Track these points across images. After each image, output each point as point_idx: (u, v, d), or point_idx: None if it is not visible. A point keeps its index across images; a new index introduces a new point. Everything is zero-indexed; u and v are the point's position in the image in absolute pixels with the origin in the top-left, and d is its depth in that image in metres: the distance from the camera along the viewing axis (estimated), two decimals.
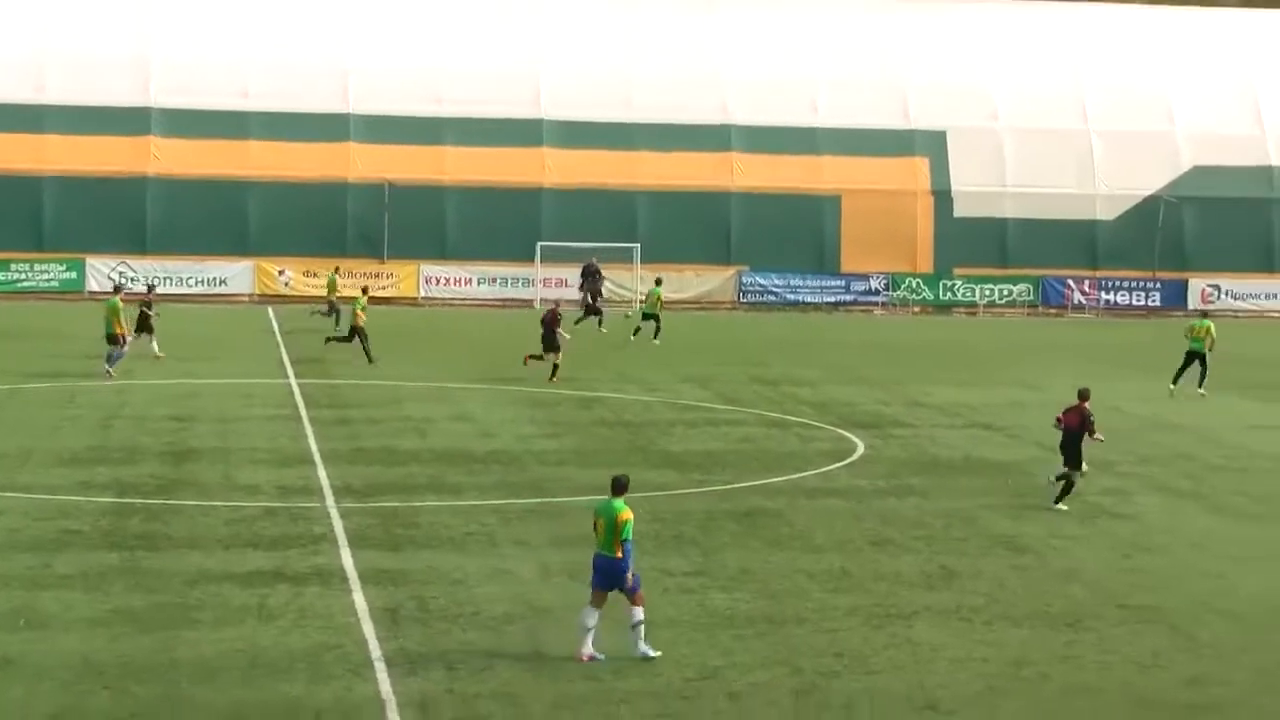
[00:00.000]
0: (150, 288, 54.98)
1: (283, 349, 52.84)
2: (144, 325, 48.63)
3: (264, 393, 43.13)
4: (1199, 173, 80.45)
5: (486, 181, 75.82)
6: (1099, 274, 79.72)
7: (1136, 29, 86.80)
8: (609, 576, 20.09)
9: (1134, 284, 79.71)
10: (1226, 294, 79.44)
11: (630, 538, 20.07)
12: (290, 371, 47.24)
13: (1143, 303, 79.27)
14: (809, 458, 35.25)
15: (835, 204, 78.48)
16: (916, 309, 76.68)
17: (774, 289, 76.29)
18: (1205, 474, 34.55)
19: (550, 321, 47.35)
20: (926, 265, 78.79)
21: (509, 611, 22.10)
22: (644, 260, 75.45)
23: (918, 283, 78.12)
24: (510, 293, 74.75)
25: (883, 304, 77.23)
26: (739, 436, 38.01)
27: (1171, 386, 46.97)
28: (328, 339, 51.73)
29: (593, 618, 20.05)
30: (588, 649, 19.95)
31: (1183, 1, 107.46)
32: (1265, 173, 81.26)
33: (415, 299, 73.60)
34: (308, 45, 77.97)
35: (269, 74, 76.00)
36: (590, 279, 73.70)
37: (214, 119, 74.67)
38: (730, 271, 77.24)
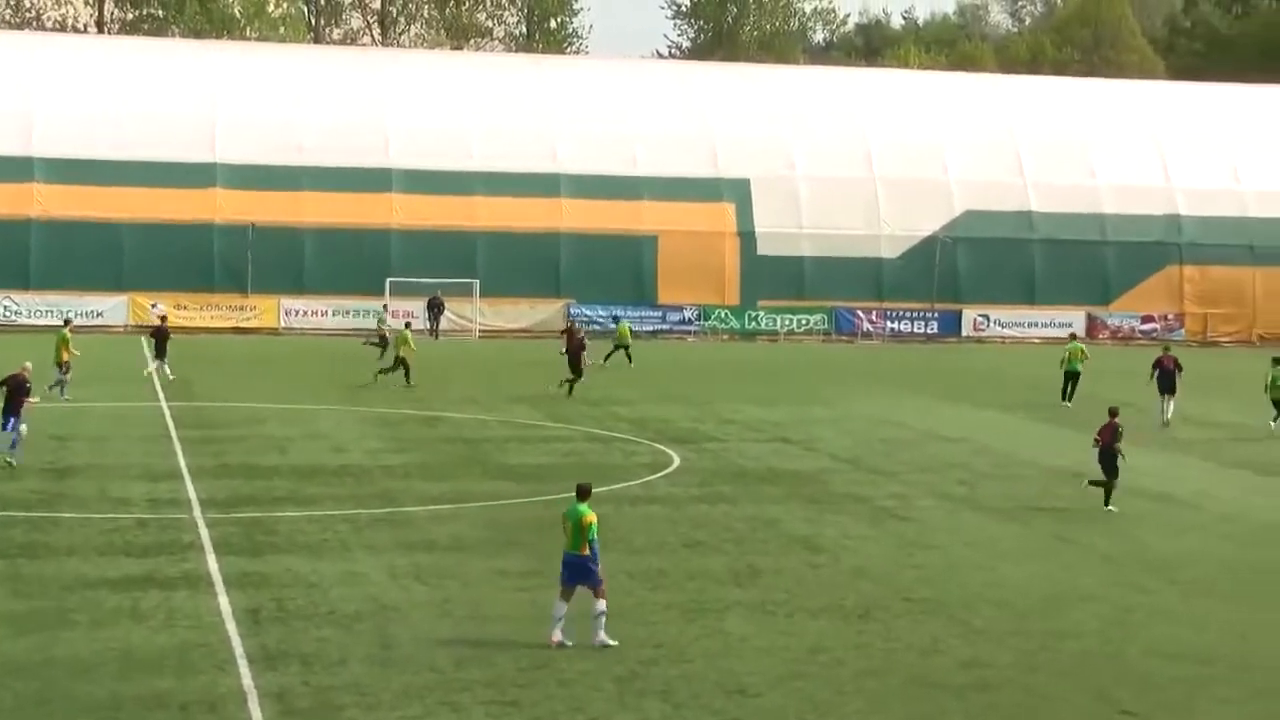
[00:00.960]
0: (163, 318, 54.73)
1: (154, 374, 51.74)
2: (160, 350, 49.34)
3: (137, 415, 42.25)
4: (970, 216, 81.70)
5: (341, 223, 75.08)
6: (884, 305, 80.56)
7: (914, 90, 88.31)
8: (576, 572, 20.28)
9: (915, 314, 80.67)
10: (995, 323, 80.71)
11: (596, 538, 20.34)
12: (161, 395, 46.32)
13: (922, 330, 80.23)
14: (631, 470, 35.21)
15: (653, 243, 78.62)
16: (725, 336, 77.04)
17: (599, 319, 76.18)
18: (977, 481, 34.97)
19: (575, 345, 49.20)
20: (733, 298, 79.13)
21: (359, 610, 21.79)
22: (483, 294, 75.16)
23: (726, 313, 78.43)
24: (363, 323, 73.88)
25: (695, 332, 77.48)
26: (567, 451, 37.87)
27: (1067, 404, 48.93)
28: (377, 373, 50.57)
29: (562, 609, 20.19)
30: (557, 635, 20.08)
31: (952, 67, 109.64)
32: (1025, 216, 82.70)
33: (276, 329, 72.59)
34: (178, 101, 76.75)
35: (143, 126, 74.60)
36: (434, 310, 73.52)
37: (92, 167, 73.22)
38: (560, 303, 77.04)
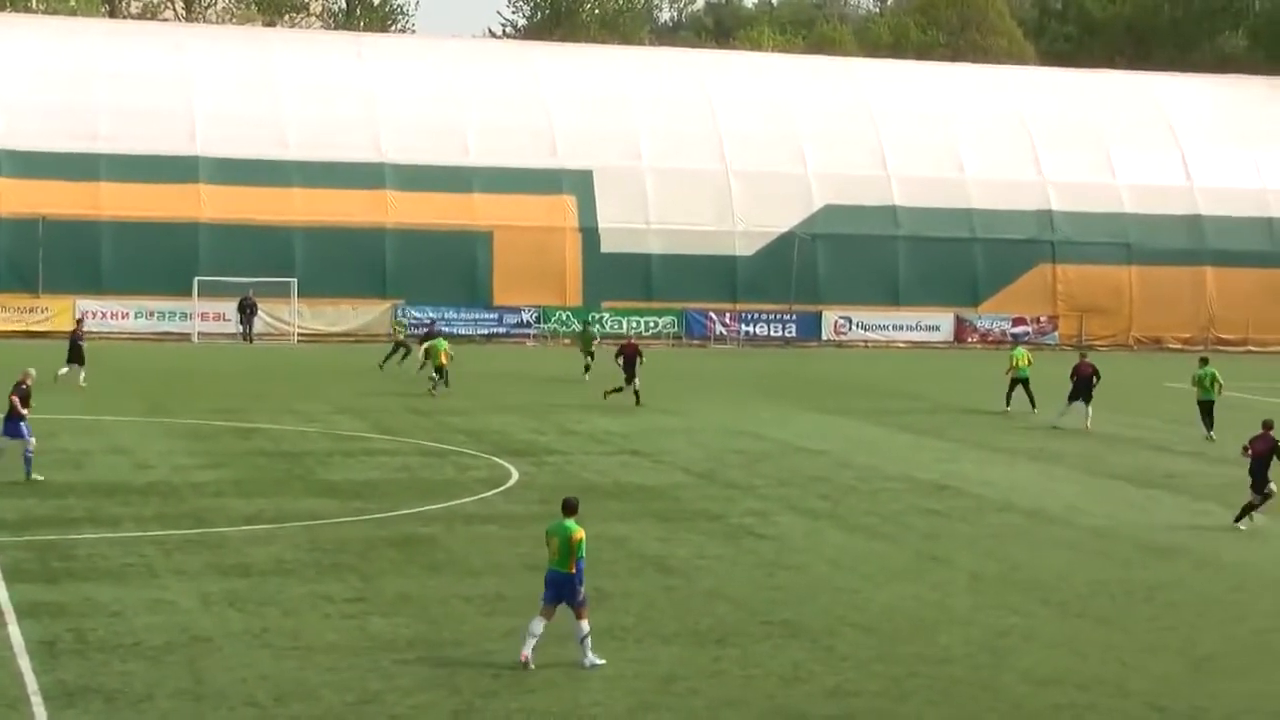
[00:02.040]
0: (80, 320, 55.86)
1: None
2: (75, 355, 50.89)
3: None
4: (830, 211, 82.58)
5: (143, 216, 74.08)
6: (739, 307, 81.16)
7: (769, 75, 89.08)
8: (560, 590, 20.78)
9: (772, 316, 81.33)
10: (857, 325, 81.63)
11: (584, 555, 20.88)
12: None
13: (780, 334, 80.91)
14: (466, 485, 35.14)
15: (487, 240, 78.57)
16: (567, 340, 77.10)
17: (425, 321, 75.84)
18: (840, 495, 35.37)
19: (631, 353, 50.45)
20: (576, 298, 79.30)
21: (169, 641, 21.53)
22: (301, 294, 74.58)
23: (567, 315, 78.55)
24: (167, 326, 73.08)
25: (534, 336, 77.50)
26: (396, 465, 37.71)
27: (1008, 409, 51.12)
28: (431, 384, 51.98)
29: (539, 626, 20.71)
30: (527, 652, 20.60)
31: (810, 50, 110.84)
32: (889, 211, 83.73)
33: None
34: None
35: None
36: (246, 312, 72.77)
37: None
38: (386, 305, 76.68)
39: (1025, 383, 51.13)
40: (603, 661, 20.89)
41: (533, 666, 20.55)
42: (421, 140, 78.89)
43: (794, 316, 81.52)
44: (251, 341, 72.22)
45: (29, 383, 34.86)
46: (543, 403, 50.85)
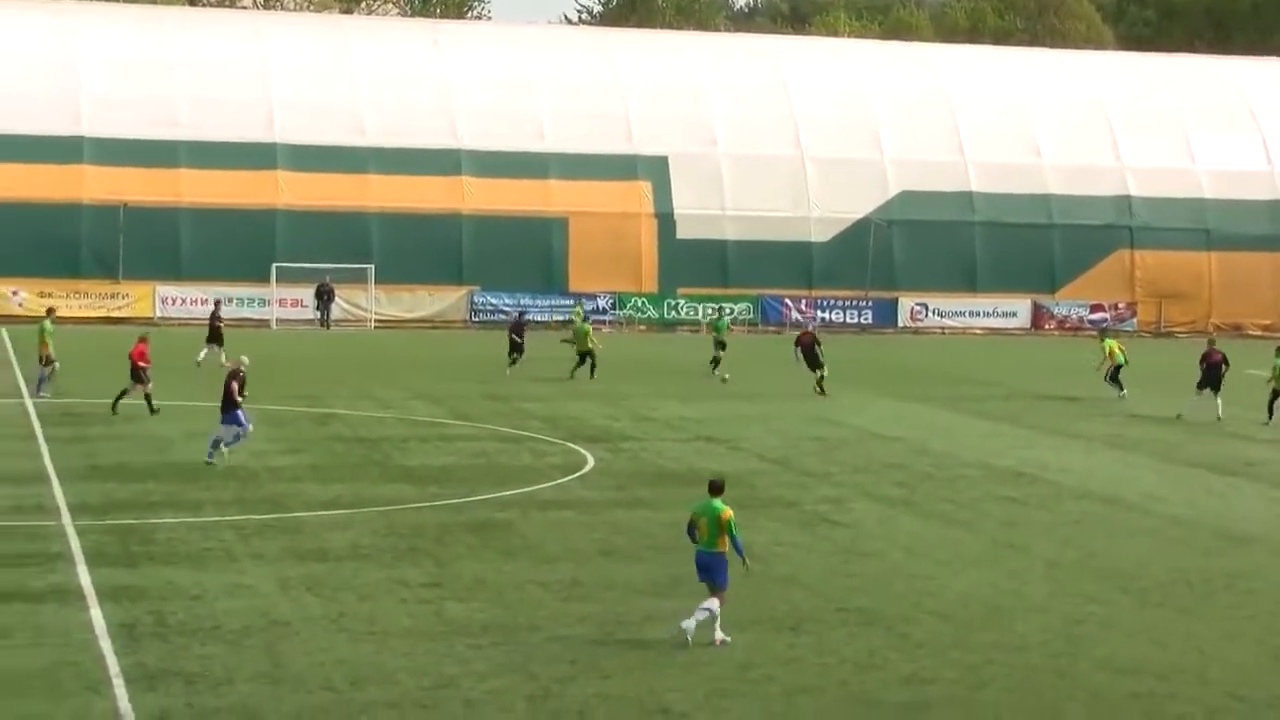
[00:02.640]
0: (217, 303, 58.75)
1: (16, 368, 51.24)
2: (215, 336, 53.94)
3: None
4: (906, 197, 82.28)
5: (221, 203, 74.60)
6: (814, 293, 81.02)
7: (845, 61, 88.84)
8: (709, 571, 21.44)
9: (847, 303, 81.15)
10: (933, 312, 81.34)
11: (737, 533, 21.50)
12: (24, 391, 45.88)
13: (856, 320, 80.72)
14: (542, 471, 35.23)
15: (563, 226, 78.69)
16: (642, 327, 77.20)
17: (505, 308, 76.07)
18: (916, 482, 35.25)
19: (808, 343, 51.00)
20: (651, 285, 79.34)
21: (247, 625, 21.70)
22: (378, 281, 74.95)
23: (643, 302, 78.63)
24: (246, 312, 73.47)
25: (610, 322, 77.54)
26: (473, 451, 37.84)
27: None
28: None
29: (699, 615, 21.18)
30: (719, 635, 21.22)
31: (886, 36, 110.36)
32: (966, 197, 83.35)
33: (152, 318, 71.89)
34: (37, 69, 76.03)
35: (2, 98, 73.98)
36: (323, 298, 73.20)
37: None
38: (462, 291, 76.96)
39: (1118, 370, 50.47)
40: (728, 639, 21.20)
41: (728, 640, 21.18)
42: (497, 126, 79.06)
43: (870, 303, 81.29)
44: (329, 327, 72.65)
45: (244, 371, 35.35)
46: (617, 389, 50.86)
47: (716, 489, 21.76)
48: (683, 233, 79.80)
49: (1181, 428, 45.88)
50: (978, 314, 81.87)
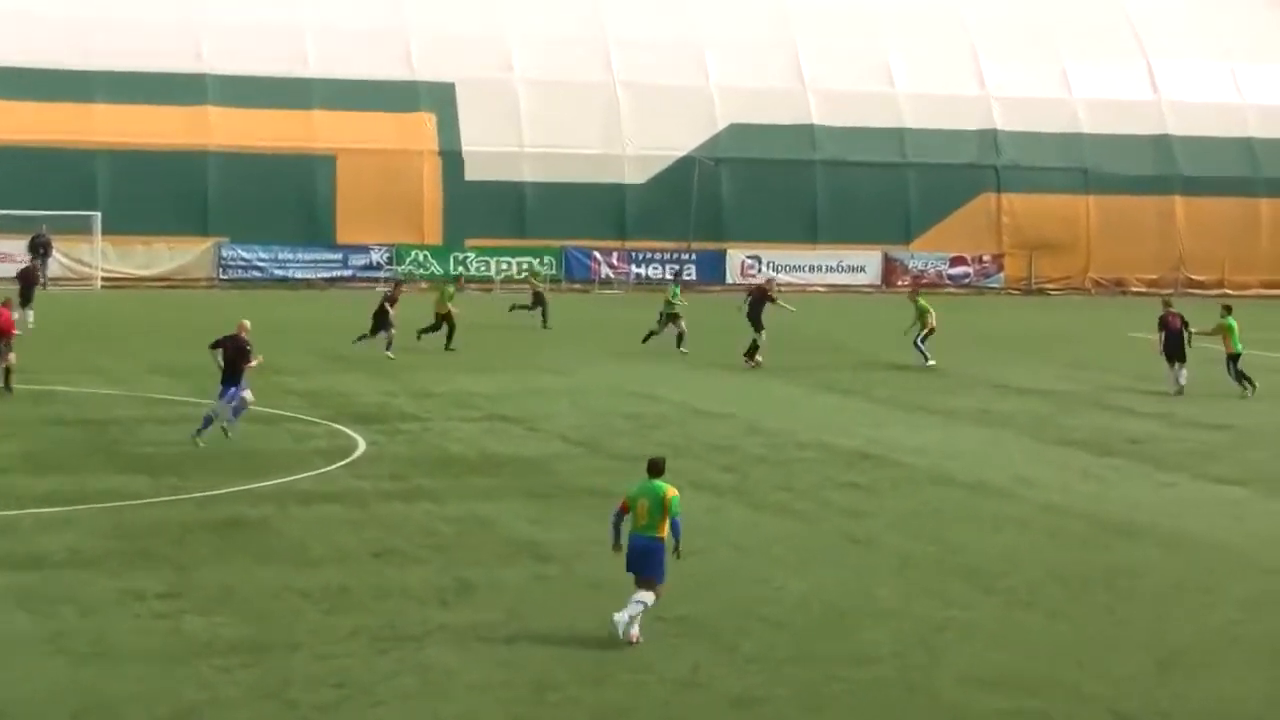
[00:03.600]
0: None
1: None
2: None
3: None
4: (735, 131, 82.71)
5: None
6: (628, 245, 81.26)
7: None
8: (644, 559, 22.28)
9: (667, 256, 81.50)
10: (768, 266, 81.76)
11: (680, 513, 22.40)
12: None
13: (674, 276, 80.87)
14: (302, 457, 34.96)
15: (329, 165, 78.20)
16: (425, 285, 76.86)
17: (259, 263, 75.48)
18: (747, 467, 35.44)
19: (760, 297, 52.63)
20: (435, 236, 79.16)
21: None
22: (106, 231, 73.89)
23: (425, 255, 78.41)
24: None
25: (385, 280, 77.07)
26: (219, 435, 37.37)
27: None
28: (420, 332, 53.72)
29: (645, 598, 22.17)
30: (634, 631, 22.07)
31: None
32: (806, 131, 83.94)
33: None
34: None
35: None
36: (38, 252, 71.84)
37: None
38: (207, 244, 76.22)
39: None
40: (641, 640, 21.87)
41: (640, 640, 21.92)
42: (249, 46, 78.30)
43: (693, 256, 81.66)
44: (45, 287, 71.45)
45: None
46: (395, 359, 50.59)
47: (657, 469, 22.66)
48: (472, 174, 79.65)
49: (1054, 400, 46.62)
50: (820, 268, 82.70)
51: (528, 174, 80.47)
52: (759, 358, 51.21)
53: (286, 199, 77.15)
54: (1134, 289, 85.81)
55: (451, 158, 79.60)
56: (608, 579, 25.66)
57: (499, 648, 21.96)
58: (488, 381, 46.79)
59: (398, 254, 77.81)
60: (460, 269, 77.99)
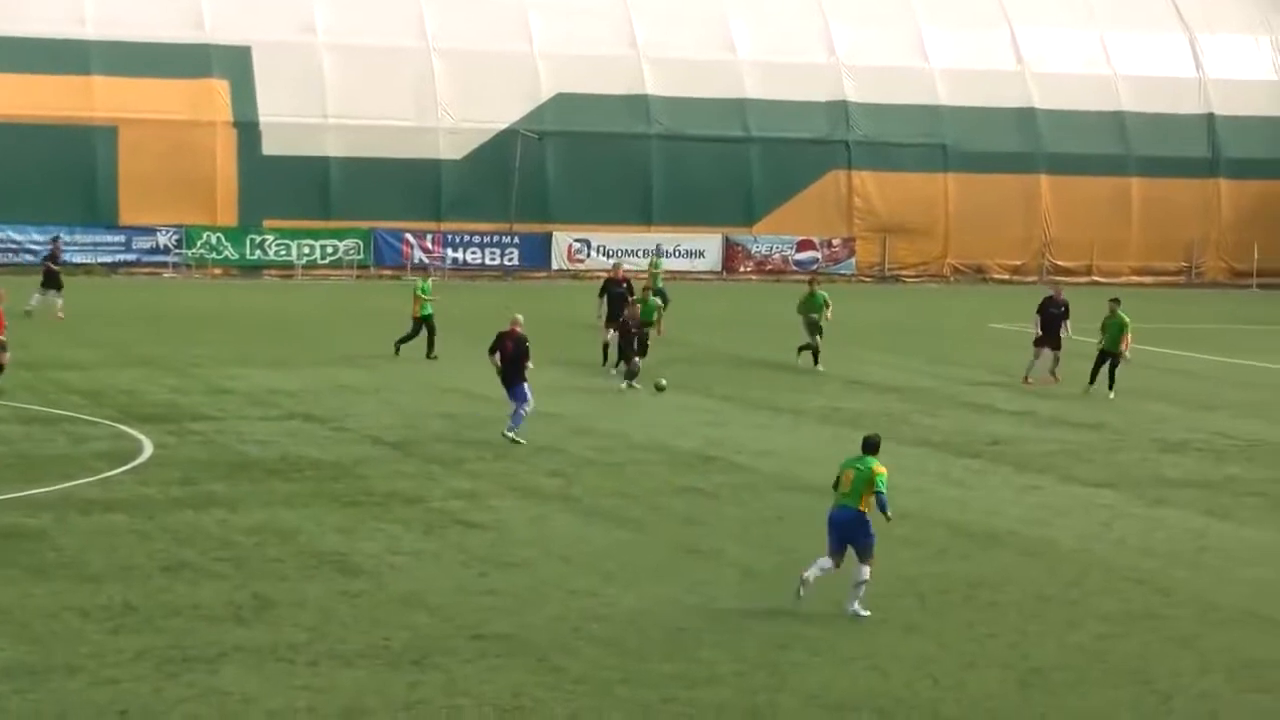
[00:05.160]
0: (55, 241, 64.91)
1: None
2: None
3: None
4: (562, 101, 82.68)
5: None
6: (444, 227, 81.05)
7: None
8: (846, 530, 25.00)
9: (487, 239, 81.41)
10: (598, 251, 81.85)
11: (885, 490, 24.94)
12: None
13: (498, 261, 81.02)
14: (83, 462, 34.65)
15: (110, 137, 77.40)
16: (217, 271, 76.42)
17: (32, 246, 74.55)
18: (575, 470, 35.54)
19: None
20: (229, 217, 78.63)
21: None
22: None
23: (218, 238, 77.88)
24: None
25: (174, 265, 76.59)
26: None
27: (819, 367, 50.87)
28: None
29: (827, 564, 25.20)
30: (809, 574, 25.16)
31: None
32: (640, 103, 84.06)
33: None
34: None
35: None
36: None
37: None
38: None
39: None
40: (868, 613, 24.79)
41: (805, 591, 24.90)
42: (20, 4, 77.35)
43: (516, 239, 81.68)
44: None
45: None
46: (184, 353, 50.30)
47: (873, 446, 25.36)
48: (270, 148, 79.15)
49: (910, 397, 47.11)
50: (652, 252, 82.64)
51: (332, 148, 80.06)
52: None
53: (62, 175, 76.33)
54: (996, 276, 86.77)
55: (247, 129, 79.07)
56: (421, 593, 25.73)
57: (302, 670, 21.93)
58: (289, 377, 46.63)
59: (188, 236, 77.19)
60: (258, 253, 77.66)
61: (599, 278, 79.27)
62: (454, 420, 41.14)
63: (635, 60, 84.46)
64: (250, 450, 36.54)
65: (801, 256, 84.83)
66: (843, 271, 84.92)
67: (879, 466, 25.06)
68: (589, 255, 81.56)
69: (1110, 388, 47.92)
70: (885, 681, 22.37)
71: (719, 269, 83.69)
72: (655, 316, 52.42)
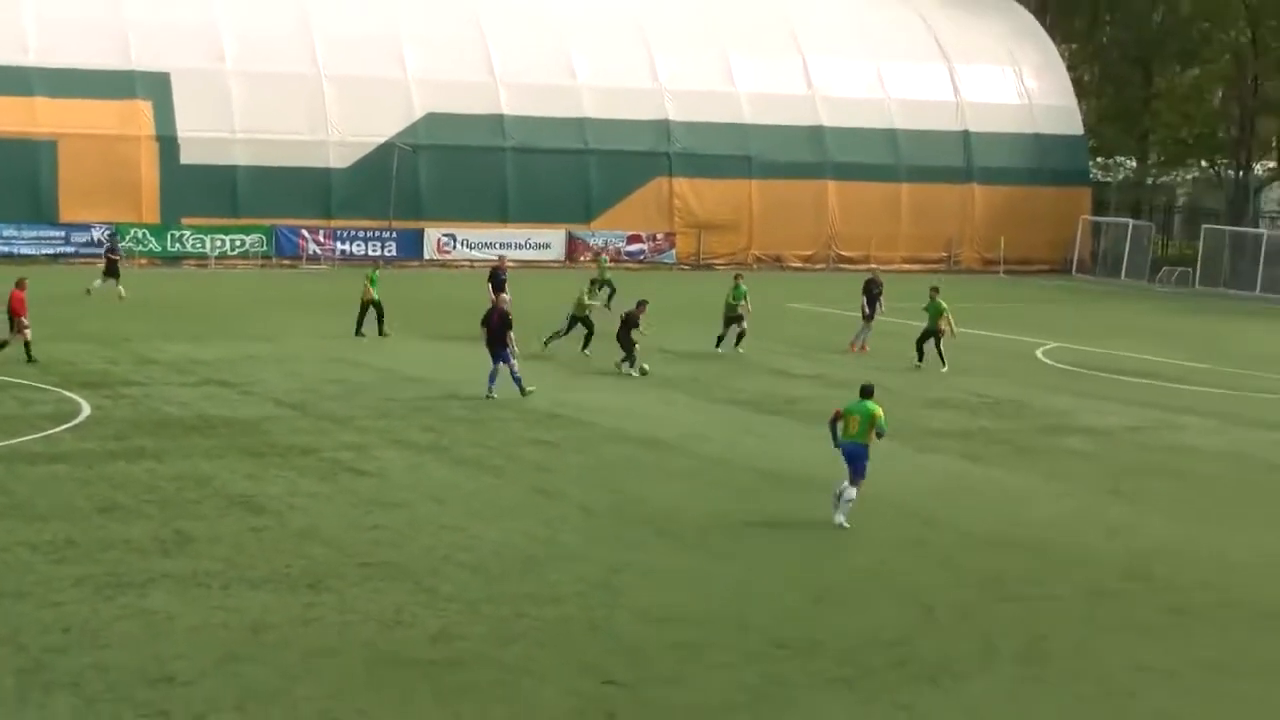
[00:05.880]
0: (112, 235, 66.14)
1: None
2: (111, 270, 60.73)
3: None
4: (432, 119, 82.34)
5: None
6: (334, 224, 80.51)
7: None
8: (854, 459, 27.12)
9: (369, 234, 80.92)
10: (462, 244, 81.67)
11: (885, 426, 27.29)
12: None
13: (379, 252, 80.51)
14: (29, 421, 34.21)
15: (51, 150, 76.21)
16: (143, 261, 75.42)
17: None
18: (445, 426, 35.49)
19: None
20: (153, 215, 77.60)
21: None
22: None
23: (144, 234, 76.86)
24: None
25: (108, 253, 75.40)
26: None
27: (733, 349, 49.92)
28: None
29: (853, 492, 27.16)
30: (842, 518, 27.14)
31: None
32: (497, 121, 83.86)
33: None
34: None
35: None
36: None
37: None
38: None
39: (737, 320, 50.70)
40: (849, 525, 26.77)
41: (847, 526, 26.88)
42: None
43: (394, 234, 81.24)
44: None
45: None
46: (116, 329, 49.78)
47: (868, 392, 27.53)
48: (187, 157, 78.20)
49: (721, 364, 47.33)
50: (509, 245, 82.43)
51: (239, 158, 79.22)
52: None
53: (11, 181, 75.03)
54: (792, 265, 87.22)
55: (167, 143, 78.05)
56: (317, 529, 25.65)
57: (216, 593, 21.83)
58: (205, 349, 46.23)
59: (118, 232, 76.11)
60: (178, 246, 76.89)
61: (463, 266, 79.47)
62: (344, 385, 40.95)
63: (493, 85, 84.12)
64: (173, 411, 36.22)
65: (631, 248, 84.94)
66: (665, 260, 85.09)
67: (878, 410, 27.13)
68: (455, 248, 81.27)
69: (942, 362, 48.24)
70: (701, 599, 22.53)
71: (563, 258, 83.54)
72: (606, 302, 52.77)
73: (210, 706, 17.67)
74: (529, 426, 35.85)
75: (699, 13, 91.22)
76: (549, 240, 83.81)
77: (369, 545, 24.75)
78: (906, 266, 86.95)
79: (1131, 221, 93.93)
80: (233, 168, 79.04)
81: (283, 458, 31.28)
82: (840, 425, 27.30)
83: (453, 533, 25.77)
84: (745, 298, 50.58)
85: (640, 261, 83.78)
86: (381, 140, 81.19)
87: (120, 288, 59.10)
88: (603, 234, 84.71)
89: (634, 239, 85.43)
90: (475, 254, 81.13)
